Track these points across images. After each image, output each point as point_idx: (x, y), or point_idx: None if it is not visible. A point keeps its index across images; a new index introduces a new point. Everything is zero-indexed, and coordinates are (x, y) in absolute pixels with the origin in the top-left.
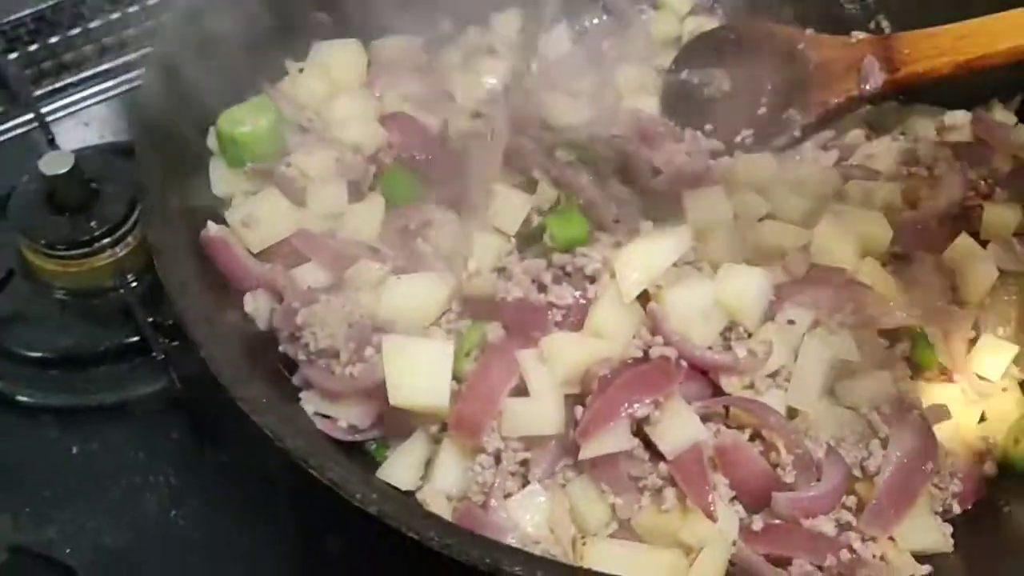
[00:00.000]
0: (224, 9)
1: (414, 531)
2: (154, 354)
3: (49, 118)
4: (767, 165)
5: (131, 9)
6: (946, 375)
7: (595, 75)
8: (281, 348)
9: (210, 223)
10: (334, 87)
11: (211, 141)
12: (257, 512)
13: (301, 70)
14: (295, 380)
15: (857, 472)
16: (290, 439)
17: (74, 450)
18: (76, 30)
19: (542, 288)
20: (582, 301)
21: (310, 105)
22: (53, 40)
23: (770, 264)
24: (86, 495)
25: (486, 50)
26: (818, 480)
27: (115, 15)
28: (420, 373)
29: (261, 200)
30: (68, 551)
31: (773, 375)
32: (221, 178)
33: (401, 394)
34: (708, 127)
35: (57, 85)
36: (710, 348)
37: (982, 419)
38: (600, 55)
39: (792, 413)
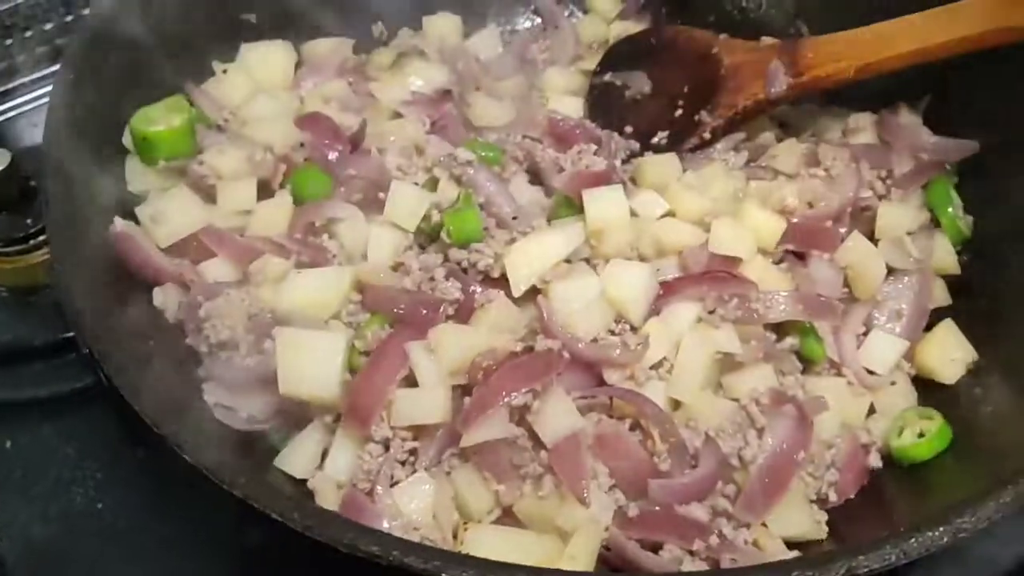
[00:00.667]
0: (150, 9)
1: (276, 512)
2: (85, 350)
3: None
4: (671, 165)
5: (85, 11)
6: (835, 368)
7: (523, 78)
8: (187, 341)
9: (117, 219)
10: (256, 87)
11: (127, 139)
12: (181, 503)
13: (225, 71)
14: (199, 372)
15: (735, 461)
16: (167, 425)
17: (7, 444)
18: (29, 32)
19: (434, 283)
20: (476, 295)
21: (229, 105)
22: (7, 42)
23: (668, 261)
24: (17, 488)
25: (416, 53)
26: (693, 468)
27: (69, 17)
28: (311, 364)
29: (170, 197)
30: None
31: (656, 367)
32: (135, 175)
33: (291, 384)
34: (628, 129)
35: (9, 86)
36: (595, 340)
37: (871, 412)
38: (529, 59)
39: (675, 405)
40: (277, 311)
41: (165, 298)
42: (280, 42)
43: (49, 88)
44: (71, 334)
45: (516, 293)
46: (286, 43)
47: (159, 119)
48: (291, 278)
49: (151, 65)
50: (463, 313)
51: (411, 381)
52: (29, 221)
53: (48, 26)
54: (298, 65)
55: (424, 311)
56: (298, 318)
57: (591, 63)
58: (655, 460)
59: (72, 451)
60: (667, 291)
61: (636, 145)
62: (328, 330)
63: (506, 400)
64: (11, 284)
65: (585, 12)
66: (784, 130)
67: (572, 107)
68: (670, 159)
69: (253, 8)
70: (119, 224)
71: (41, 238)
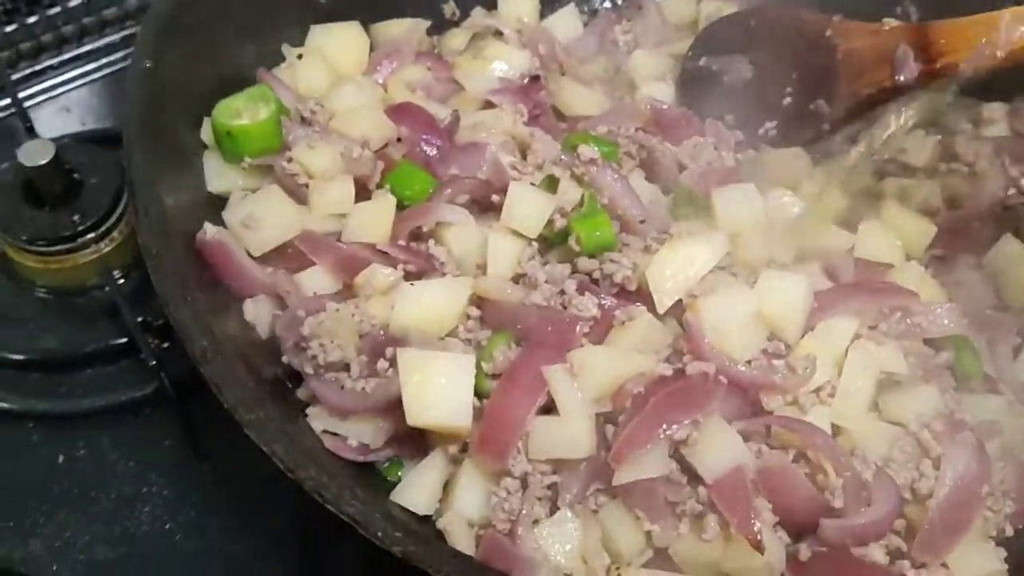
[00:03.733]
0: None
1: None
2: (143, 356)
3: (27, 103)
4: (799, 160)
5: None
6: (991, 385)
7: (607, 62)
8: (285, 359)
9: (207, 224)
10: (336, 74)
11: (205, 134)
12: (256, 521)
13: (300, 56)
14: (300, 394)
15: (907, 495)
16: (303, 469)
17: (59, 459)
18: (55, 9)
19: (565, 298)
20: (615, 312)
21: (311, 94)
22: (31, 20)
23: (810, 268)
24: (73, 506)
25: (492, 34)
26: (868, 505)
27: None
28: (440, 390)
29: (262, 199)
30: (55, 568)
31: (816, 391)
32: (216, 174)
33: (420, 413)
34: (728, 118)
35: (36, 68)
36: (750, 362)
37: None
38: (612, 40)
39: (836, 431)
40: (390, 328)
41: (258, 312)
42: (353, 23)
43: (78, 70)
44: (125, 339)
45: (661, 309)
46: (358, 24)
47: (243, 111)
48: (403, 291)
49: (223, 51)
50: (598, 331)
51: (547, 407)
52: (76, 218)
53: (74, 2)
54: (371, 49)
55: (559, 328)
56: (415, 336)
57: (681, 46)
58: (826, 496)
59: (134, 465)
60: (822, 304)
61: (740, 135)
62: (450, 349)
63: (666, 433)
64: (56, 285)
65: None
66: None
67: (663, 94)
68: (798, 154)
69: None
70: (210, 230)
71: (89, 236)
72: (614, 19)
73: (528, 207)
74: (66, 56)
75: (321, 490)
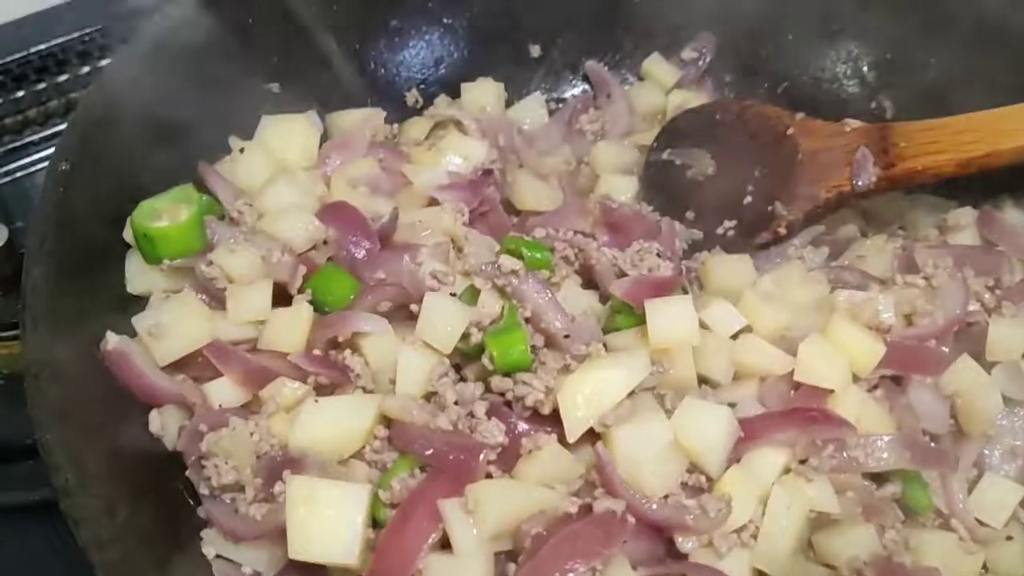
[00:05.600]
0: (163, 80)
1: None
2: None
3: None
4: (744, 269)
5: (103, 62)
6: (941, 518)
7: (570, 151)
8: (188, 474)
9: (109, 334)
10: (277, 167)
11: (128, 234)
12: None
13: (242, 150)
14: (200, 512)
15: None
16: None
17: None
18: (41, 85)
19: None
20: (523, 440)
21: (252, 189)
22: (19, 95)
23: (747, 389)
24: None
25: (453, 124)
26: None
27: (85, 69)
28: (328, 522)
29: (172, 307)
30: None
31: (737, 531)
32: (136, 275)
33: (305, 547)
34: (689, 214)
35: (20, 143)
36: (666, 498)
37: (985, 569)
38: (578, 130)
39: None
40: (290, 447)
41: (164, 422)
42: (303, 115)
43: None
44: None
45: (572, 439)
46: (310, 115)
47: (163, 213)
48: (308, 408)
49: (161, 143)
50: (507, 458)
51: (445, 542)
52: None
53: (62, 78)
54: (324, 139)
55: (462, 457)
56: (314, 457)
57: (647, 137)
58: None
59: (68, 562)
60: (749, 434)
61: (699, 234)
62: (348, 476)
63: None
64: (7, 371)
65: (640, 79)
66: (868, 221)
67: (625, 187)
68: (742, 261)
69: (278, 75)
70: (112, 340)
71: None
72: (581, 108)
73: (443, 320)
74: (48, 132)
75: None
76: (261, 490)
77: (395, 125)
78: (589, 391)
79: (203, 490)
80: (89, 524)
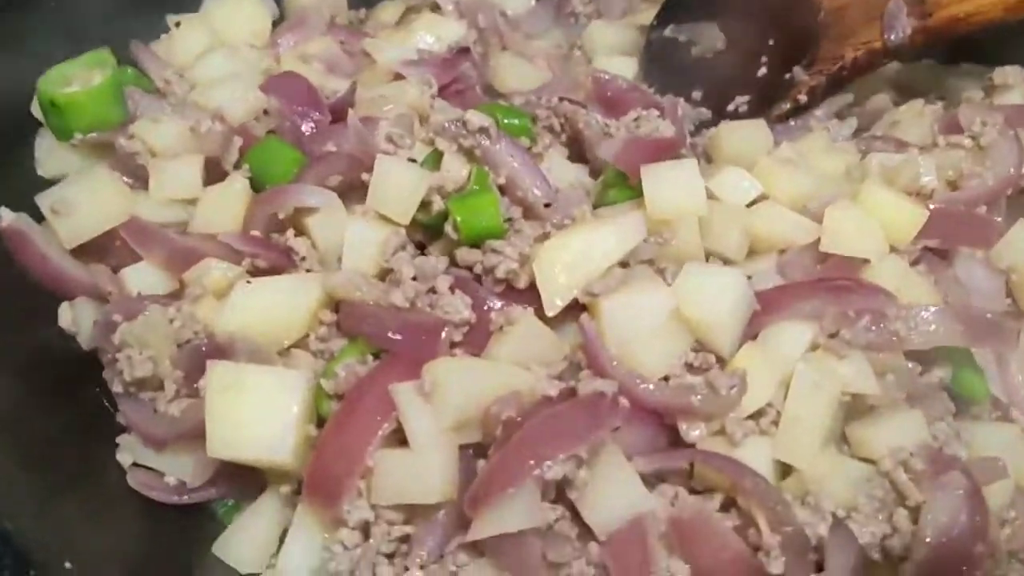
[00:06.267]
0: None
1: None
2: None
3: None
4: (758, 132)
5: None
6: (1000, 410)
7: (562, 35)
8: (105, 374)
9: (4, 210)
10: (215, 43)
11: (36, 109)
12: None
13: (178, 24)
14: (120, 418)
15: (875, 555)
16: None
17: None
18: None
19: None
20: (493, 314)
21: (176, 63)
22: None
23: (763, 265)
24: None
25: (429, 6)
26: (818, 571)
27: None
28: (254, 413)
29: (81, 181)
30: None
31: (756, 416)
32: (47, 155)
33: (224, 443)
34: (696, 94)
35: None
36: (666, 379)
37: None
38: (569, 12)
39: (786, 470)
40: (218, 334)
41: (76, 316)
42: None
43: None
44: None
45: (550, 311)
46: None
47: (74, 79)
48: (240, 289)
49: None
50: (476, 339)
51: (401, 439)
52: None
53: None
54: (277, 22)
55: (421, 337)
56: (246, 344)
57: (646, 16)
58: (760, 557)
59: None
60: (767, 307)
61: (707, 113)
62: (285, 364)
63: (536, 472)
64: None
65: None
66: (900, 92)
67: (623, 69)
68: (756, 125)
69: None
70: (6, 218)
71: None
72: None
73: (398, 185)
74: None
75: None
76: (183, 385)
77: (363, 11)
78: (572, 257)
79: (117, 387)
80: None
